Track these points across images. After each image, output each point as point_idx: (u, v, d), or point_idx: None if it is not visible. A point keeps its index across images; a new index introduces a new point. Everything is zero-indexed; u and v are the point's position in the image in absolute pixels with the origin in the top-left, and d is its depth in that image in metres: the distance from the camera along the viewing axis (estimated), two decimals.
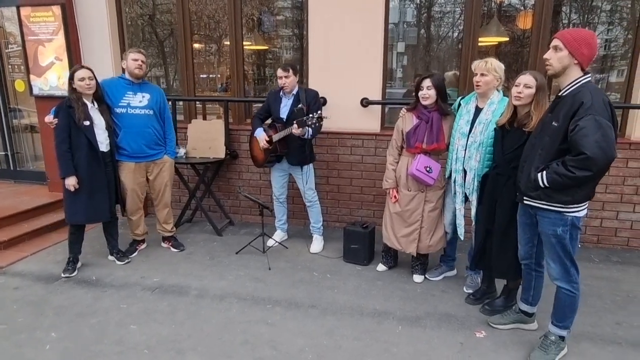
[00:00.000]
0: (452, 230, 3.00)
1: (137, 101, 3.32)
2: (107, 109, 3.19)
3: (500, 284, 2.82)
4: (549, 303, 2.30)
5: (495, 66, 2.58)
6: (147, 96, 3.36)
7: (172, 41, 4.63)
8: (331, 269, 3.39)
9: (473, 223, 2.77)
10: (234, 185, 4.41)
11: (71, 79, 3.01)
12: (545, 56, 2.07)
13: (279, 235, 3.94)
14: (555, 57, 2.01)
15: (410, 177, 2.92)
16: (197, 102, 4.61)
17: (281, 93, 3.49)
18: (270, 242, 3.79)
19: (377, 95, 3.92)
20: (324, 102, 3.87)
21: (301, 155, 3.48)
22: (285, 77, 3.35)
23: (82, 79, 2.99)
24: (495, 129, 2.51)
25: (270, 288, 3.08)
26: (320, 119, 3.17)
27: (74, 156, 3.03)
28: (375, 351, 2.38)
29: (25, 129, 5.23)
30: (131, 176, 3.37)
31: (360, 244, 3.42)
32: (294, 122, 3.21)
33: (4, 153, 5.23)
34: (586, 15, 3.89)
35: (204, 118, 4.69)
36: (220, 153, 4.09)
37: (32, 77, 4.48)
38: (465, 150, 2.70)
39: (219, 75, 4.72)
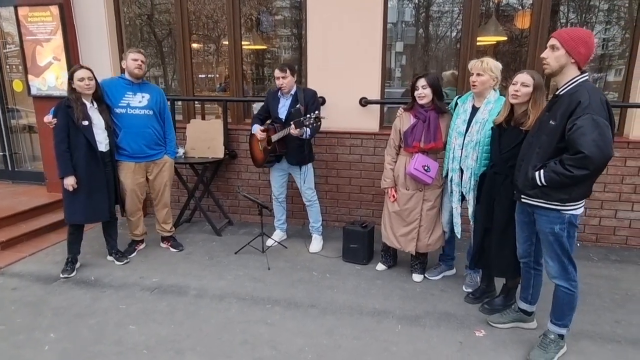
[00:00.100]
0: (450, 229, 3.00)
1: (137, 101, 3.31)
2: (106, 109, 3.18)
3: (499, 282, 2.83)
4: (548, 302, 2.30)
5: (491, 66, 2.58)
6: (147, 96, 3.35)
7: (170, 41, 4.63)
8: (330, 268, 3.39)
9: (471, 222, 2.78)
10: (233, 185, 4.41)
11: (71, 79, 3.01)
12: (542, 55, 2.07)
13: (278, 235, 3.94)
14: (553, 56, 2.01)
15: (408, 176, 2.93)
16: (196, 102, 4.60)
17: (279, 93, 3.49)
18: (269, 242, 3.79)
19: (375, 95, 3.92)
20: (323, 101, 3.87)
21: (300, 155, 3.47)
22: (283, 77, 3.34)
23: (82, 79, 2.98)
24: (492, 127, 2.51)
25: (270, 288, 3.08)
26: (317, 119, 3.16)
27: (72, 156, 3.03)
28: (375, 350, 2.38)
29: (24, 129, 5.21)
30: (131, 176, 3.37)
31: (360, 244, 3.42)
32: (292, 122, 3.21)
33: (2, 153, 5.21)
34: (584, 15, 3.90)
35: (203, 118, 4.68)
36: (219, 153, 4.09)
37: (30, 77, 4.47)
38: (462, 149, 2.71)
39: (217, 75, 4.72)
